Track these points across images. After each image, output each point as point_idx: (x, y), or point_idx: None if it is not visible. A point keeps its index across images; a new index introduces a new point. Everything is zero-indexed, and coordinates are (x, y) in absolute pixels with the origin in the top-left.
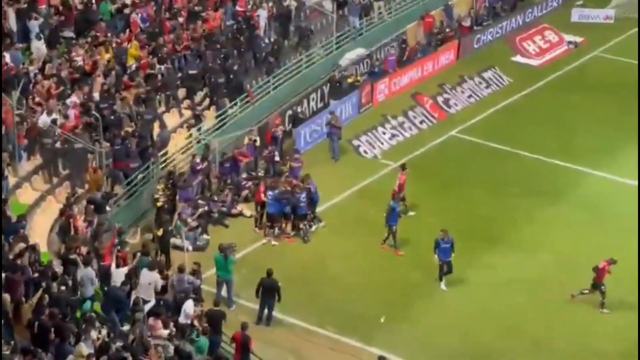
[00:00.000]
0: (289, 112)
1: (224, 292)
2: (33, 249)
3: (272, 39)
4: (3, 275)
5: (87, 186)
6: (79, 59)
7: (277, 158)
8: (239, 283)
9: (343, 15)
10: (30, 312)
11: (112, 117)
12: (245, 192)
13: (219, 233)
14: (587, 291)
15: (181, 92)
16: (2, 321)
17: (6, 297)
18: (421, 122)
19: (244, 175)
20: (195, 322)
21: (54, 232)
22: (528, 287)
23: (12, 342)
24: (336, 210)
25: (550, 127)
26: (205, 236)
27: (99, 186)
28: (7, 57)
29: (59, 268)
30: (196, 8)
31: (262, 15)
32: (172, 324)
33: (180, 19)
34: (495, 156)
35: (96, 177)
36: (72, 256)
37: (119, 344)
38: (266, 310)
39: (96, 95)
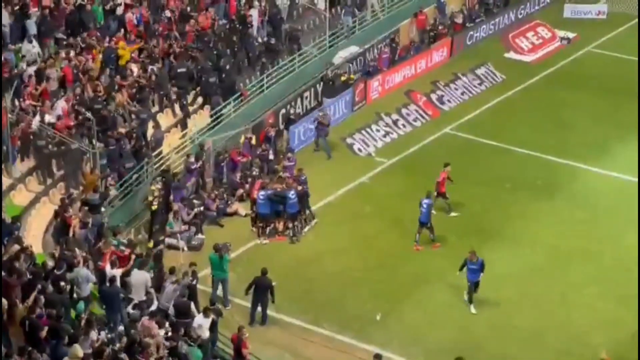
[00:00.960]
0: (283, 110)
1: (219, 292)
2: (26, 250)
3: (264, 38)
4: None
5: (81, 188)
6: (69, 60)
7: (271, 157)
8: (234, 282)
9: (336, 13)
10: (24, 313)
11: (105, 118)
12: (240, 191)
13: (214, 232)
14: None
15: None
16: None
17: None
18: (415, 120)
19: (239, 175)
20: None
21: (48, 234)
22: (521, 281)
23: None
24: (331, 208)
25: (544, 123)
26: (200, 236)
27: (96, 187)
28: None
29: (54, 269)
30: (188, 8)
31: (255, 14)
32: (167, 323)
33: (171, 18)
34: (488, 152)
35: (93, 178)
36: (68, 257)
37: (116, 344)
38: (259, 309)
39: (88, 97)
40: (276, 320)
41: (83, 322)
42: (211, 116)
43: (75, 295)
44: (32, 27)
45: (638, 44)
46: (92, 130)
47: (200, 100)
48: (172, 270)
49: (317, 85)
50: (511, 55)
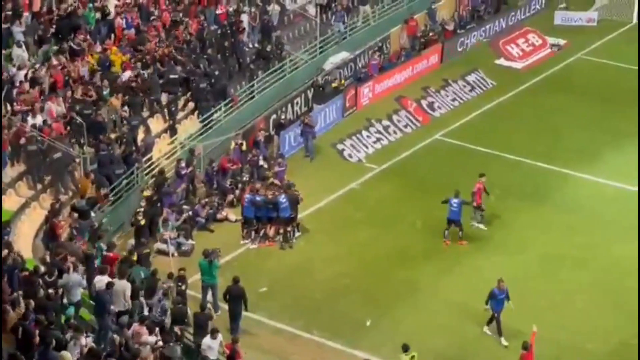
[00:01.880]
0: (274, 116)
1: (209, 297)
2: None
3: (255, 44)
4: None
5: (70, 193)
6: (60, 65)
7: (261, 162)
8: (223, 288)
9: (326, 19)
10: (15, 319)
11: (96, 123)
12: (230, 197)
13: (204, 238)
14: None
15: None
16: None
17: None
18: (405, 126)
19: (229, 181)
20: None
21: (38, 239)
22: (512, 288)
23: None
24: (321, 214)
25: (534, 129)
26: (190, 241)
27: (85, 193)
28: None
29: (45, 274)
30: (179, 14)
31: (245, 20)
32: (157, 329)
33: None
34: (479, 159)
35: (86, 183)
36: (59, 263)
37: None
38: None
39: (79, 101)
40: (267, 326)
41: (71, 327)
42: (201, 122)
43: (65, 301)
44: (18, 33)
45: (638, 52)
46: (82, 135)
47: (191, 105)
48: (170, 276)
49: (308, 91)
50: (502, 61)
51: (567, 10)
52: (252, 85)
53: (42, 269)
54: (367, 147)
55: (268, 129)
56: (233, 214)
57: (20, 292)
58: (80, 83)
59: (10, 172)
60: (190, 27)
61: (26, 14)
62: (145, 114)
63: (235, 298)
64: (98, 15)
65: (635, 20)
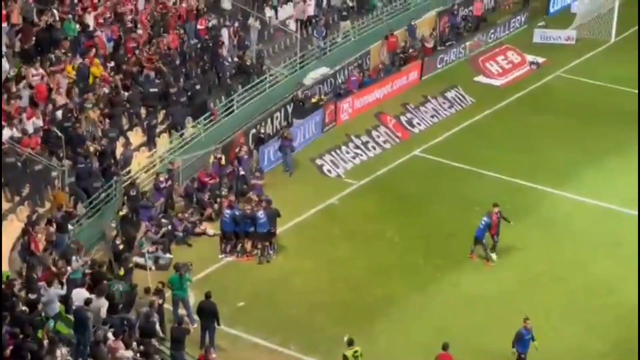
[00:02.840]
0: (253, 130)
1: (181, 311)
2: None
3: (235, 59)
4: None
5: (47, 205)
6: (38, 77)
7: (242, 172)
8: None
9: (307, 35)
10: None
11: (74, 136)
12: (209, 211)
13: (182, 252)
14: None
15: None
16: None
17: None
18: (385, 142)
19: (207, 194)
20: None
21: (15, 251)
22: (490, 304)
23: None
24: (300, 229)
25: (513, 146)
26: (167, 255)
27: (61, 206)
28: None
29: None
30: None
31: (225, 34)
32: (135, 343)
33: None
34: (458, 175)
35: (62, 196)
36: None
37: None
38: (207, 336)
39: (58, 114)
40: (244, 340)
41: (48, 339)
42: (180, 135)
43: (43, 314)
44: None
45: (638, 70)
46: (61, 147)
47: (170, 119)
48: (146, 290)
49: (288, 106)
50: (481, 78)
51: (546, 29)
52: (232, 100)
53: (18, 283)
54: (346, 163)
55: (248, 144)
56: (211, 228)
57: None
58: (67, 92)
59: None
60: (170, 42)
61: (5, 25)
62: (125, 127)
63: (207, 313)
64: (78, 27)
65: (613, 39)
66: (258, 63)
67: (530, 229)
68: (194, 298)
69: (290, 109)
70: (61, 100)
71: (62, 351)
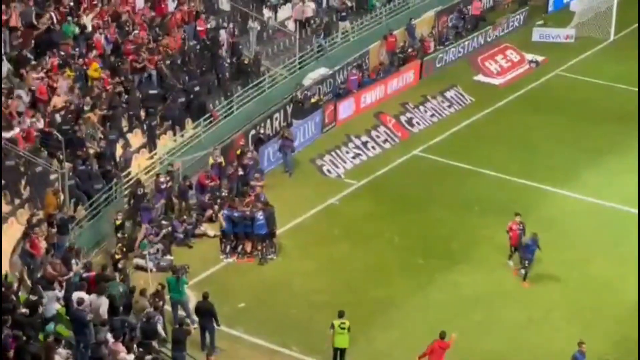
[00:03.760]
0: (253, 131)
1: (181, 312)
2: None
3: (234, 60)
4: None
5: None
6: (37, 80)
7: (240, 172)
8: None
9: (306, 35)
10: None
11: (74, 138)
12: (209, 212)
13: (182, 253)
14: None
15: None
16: None
17: None
18: (384, 142)
19: (207, 196)
20: None
21: (16, 254)
22: (489, 305)
23: None
24: (300, 230)
25: (512, 145)
26: (168, 257)
27: (57, 207)
28: None
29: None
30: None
31: (224, 35)
32: (135, 346)
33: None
34: (457, 175)
35: (52, 200)
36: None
37: None
38: (207, 337)
39: (58, 117)
40: (245, 342)
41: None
42: (180, 137)
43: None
44: None
45: (638, 68)
46: (61, 150)
47: (170, 120)
48: (142, 293)
49: (287, 107)
50: (480, 78)
51: (545, 27)
52: (231, 101)
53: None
54: (345, 163)
55: (248, 145)
56: (212, 230)
57: None
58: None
59: None
60: (170, 43)
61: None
62: (125, 129)
63: (205, 314)
64: (77, 29)
65: (612, 37)
66: (255, 65)
67: (530, 229)
68: (194, 299)
69: (289, 110)
70: (60, 102)
71: (62, 353)
